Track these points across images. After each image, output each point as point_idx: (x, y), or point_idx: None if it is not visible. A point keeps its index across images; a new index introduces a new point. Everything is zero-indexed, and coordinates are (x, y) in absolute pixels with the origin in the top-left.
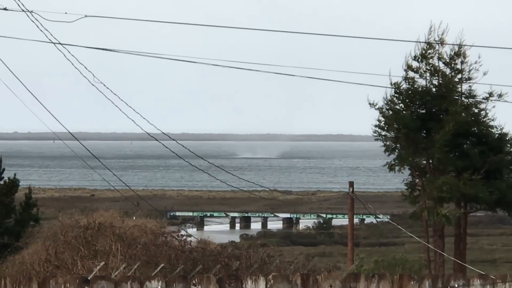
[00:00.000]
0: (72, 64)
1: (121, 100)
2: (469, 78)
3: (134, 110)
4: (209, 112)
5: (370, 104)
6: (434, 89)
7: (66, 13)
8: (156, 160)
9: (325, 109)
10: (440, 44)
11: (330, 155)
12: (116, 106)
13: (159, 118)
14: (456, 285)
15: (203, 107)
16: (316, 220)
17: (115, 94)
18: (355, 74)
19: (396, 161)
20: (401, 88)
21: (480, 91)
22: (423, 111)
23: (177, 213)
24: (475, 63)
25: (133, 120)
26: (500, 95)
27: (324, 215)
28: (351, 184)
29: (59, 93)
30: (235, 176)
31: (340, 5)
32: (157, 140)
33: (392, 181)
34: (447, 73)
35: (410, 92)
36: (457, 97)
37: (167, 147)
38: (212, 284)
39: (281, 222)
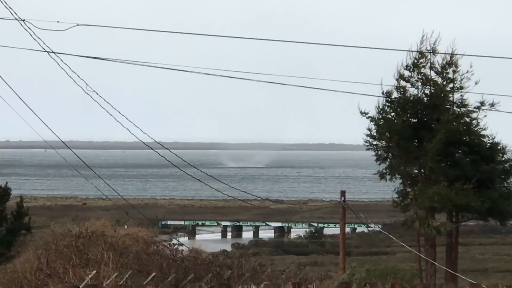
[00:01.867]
0: (66, 73)
1: (114, 108)
2: (461, 87)
3: (127, 118)
4: (200, 121)
5: (361, 113)
6: (425, 98)
7: (58, 21)
8: (148, 169)
9: (317, 118)
10: (432, 53)
11: (322, 164)
12: (111, 115)
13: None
14: None
15: (194, 116)
16: (307, 229)
17: (108, 102)
18: (347, 83)
19: (387, 170)
20: (393, 97)
21: (472, 100)
22: (414, 120)
23: (169, 222)
24: (467, 72)
25: (128, 129)
26: (492, 104)
27: (315, 224)
28: (343, 193)
29: (51, 102)
30: (226, 185)
31: (332, 14)
32: (152, 149)
33: (383, 190)
34: (439, 82)
35: (401, 101)
36: (449, 106)
37: (162, 156)
38: None
39: (273, 231)
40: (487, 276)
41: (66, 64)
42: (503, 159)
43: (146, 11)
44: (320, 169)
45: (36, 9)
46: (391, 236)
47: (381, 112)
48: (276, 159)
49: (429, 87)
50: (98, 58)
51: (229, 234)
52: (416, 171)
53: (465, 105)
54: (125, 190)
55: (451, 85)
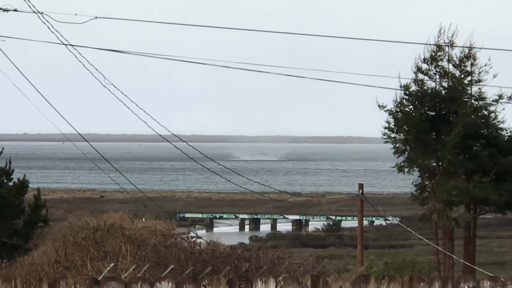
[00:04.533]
0: (84, 66)
1: (132, 101)
2: (479, 81)
3: (144, 111)
4: (217, 114)
5: (379, 106)
6: (443, 91)
7: (76, 14)
8: (165, 162)
9: (335, 111)
10: (450, 46)
11: (339, 157)
12: (128, 107)
13: (168, 120)
14: (466, 287)
15: (212, 109)
16: (325, 222)
17: (125, 95)
18: (365, 76)
19: (405, 163)
20: (411, 90)
21: (490, 93)
22: (432, 113)
23: (187, 215)
24: (485, 65)
25: (145, 122)
26: (510, 98)
27: (333, 217)
28: (361, 186)
29: (68, 95)
30: (244, 177)
31: (349, 8)
32: (169, 141)
33: (401, 183)
34: (457, 75)
35: (419, 94)
36: (467, 99)
37: (179, 149)
38: (222, 286)
39: (291, 224)
40: (504, 269)
41: (84, 57)
42: None
43: (163, 3)
44: (337, 162)
45: (54, 2)
46: (409, 229)
47: (399, 105)
48: (293, 152)
49: (447, 80)
50: (115, 51)
51: (246, 227)
52: (434, 164)
53: (483, 98)
54: (143, 183)
55: (469, 78)
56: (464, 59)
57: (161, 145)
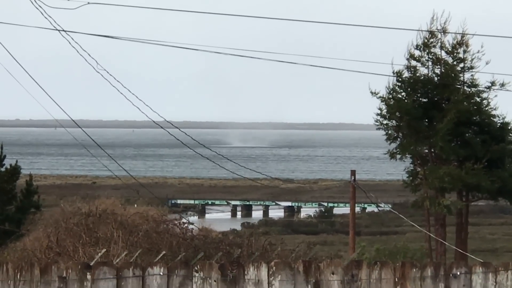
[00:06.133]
0: (77, 51)
1: (124, 87)
2: (471, 67)
3: (137, 97)
4: (210, 100)
5: (371, 92)
6: (436, 78)
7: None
8: (158, 148)
9: (327, 98)
10: (442, 33)
11: (331, 144)
12: (121, 93)
13: (161, 106)
14: (458, 273)
15: (205, 95)
16: (317, 209)
17: (118, 81)
18: (357, 62)
19: (398, 150)
20: (403, 77)
21: (483, 80)
22: (425, 99)
23: (179, 201)
24: (478, 52)
25: (138, 108)
26: (502, 84)
27: (325, 204)
28: (353, 172)
29: (61, 80)
30: (236, 163)
31: None
32: (162, 127)
33: (394, 170)
34: (450, 62)
35: (412, 80)
36: (459, 86)
37: (172, 135)
38: (214, 271)
39: (283, 210)
40: (496, 256)
41: (76, 42)
42: None
43: None
44: (330, 149)
45: None
46: (401, 215)
47: (392, 91)
48: (285, 138)
49: (439, 67)
50: (108, 37)
51: (238, 214)
52: (426, 150)
53: (476, 85)
54: (135, 169)
55: (461, 65)
56: (457, 45)
57: (153, 131)
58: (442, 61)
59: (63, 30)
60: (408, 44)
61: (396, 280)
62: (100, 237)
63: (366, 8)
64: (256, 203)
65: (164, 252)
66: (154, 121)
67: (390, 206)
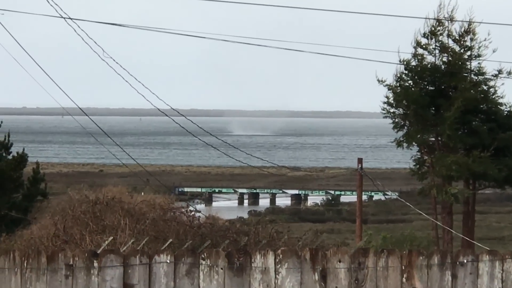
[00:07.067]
0: (83, 39)
1: (131, 75)
2: (479, 55)
3: (143, 85)
4: (216, 88)
5: (378, 81)
6: (443, 66)
7: None
8: (165, 136)
9: (334, 86)
10: (449, 21)
11: (338, 132)
12: (126, 81)
13: (167, 94)
14: (465, 261)
15: (211, 83)
16: (324, 197)
17: (124, 69)
18: (364, 50)
19: (405, 138)
20: (410, 65)
21: (490, 68)
22: (432, 88)
23: (186, 189)
24: (485, 40)
25: (143, 95)
26: (509, 73)
27: (332, 192)
28: (360, 160)
29: (68, 68)
30: (243, 151)
31: None
32: (168, 116)
33: (401, 158)
34: (457, 50)
35: (419, 69)
36: (466, 74)
37: (177, 123)
38: (221, 258)
39: (290, 198)
40: (503, 244)
41: (82, 30)
42: None
43: None
44: (336, 137)
45: None
46: (408, 203)
47: (399, 80)
48: (291, 126)
49: (446, 55)
50: (114, 24)
51: (245, 202)
52: (433, 139)
53: (483, 73)
54: (142, 157)
55: (468, 53)
56: (464, 33)
57: (161, 120)
58: (449, 49)
59: (69, 18)
60: (415, 32)
61: (403, 268)
62: (107, 225)
63: None
64: (263, 191)
65: (171, 240)
66: (159, 109)
67: (397, 194)
